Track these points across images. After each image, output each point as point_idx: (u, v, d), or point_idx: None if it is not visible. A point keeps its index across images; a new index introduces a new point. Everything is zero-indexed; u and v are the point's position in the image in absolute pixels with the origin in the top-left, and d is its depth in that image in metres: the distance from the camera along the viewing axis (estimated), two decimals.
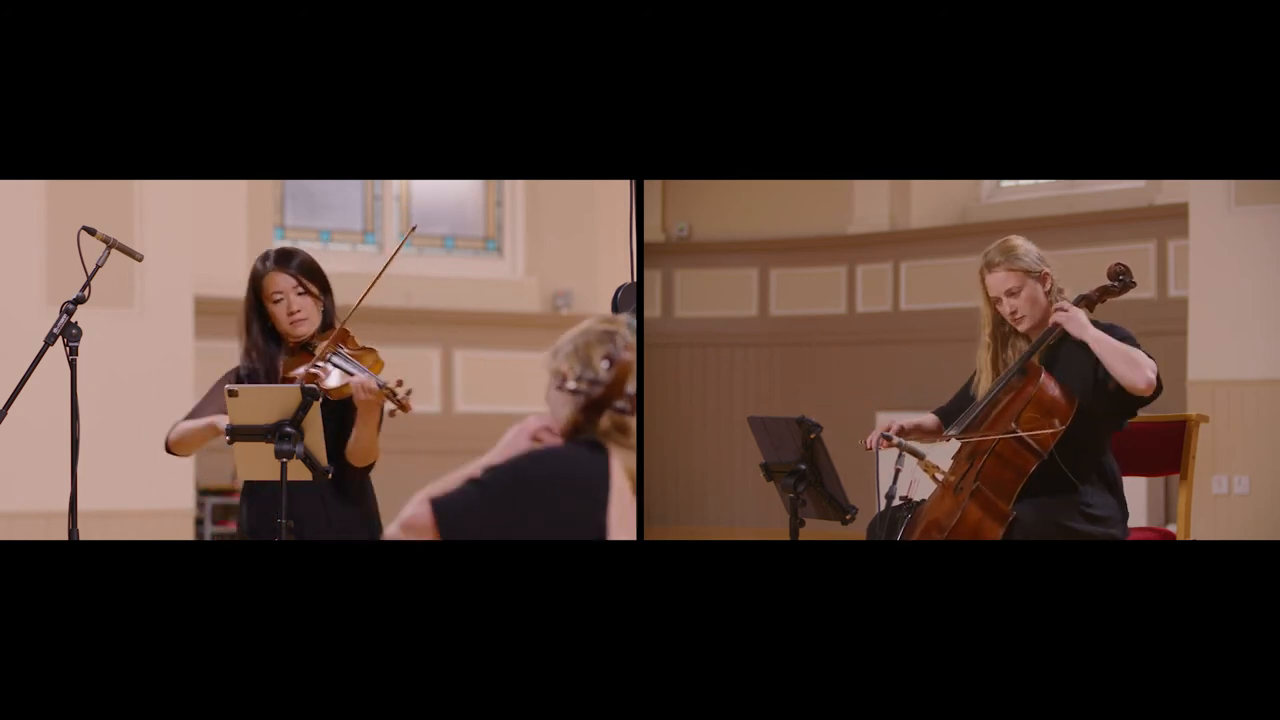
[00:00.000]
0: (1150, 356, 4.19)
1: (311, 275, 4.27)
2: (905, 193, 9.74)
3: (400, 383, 4.08)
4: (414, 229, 4.41)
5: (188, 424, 4.26)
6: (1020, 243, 4.34)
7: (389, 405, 4.10)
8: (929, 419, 4.56)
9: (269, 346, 4.27)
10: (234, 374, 4.30)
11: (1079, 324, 4.20)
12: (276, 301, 4.24)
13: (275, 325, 4.26)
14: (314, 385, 4.03)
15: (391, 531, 2.85)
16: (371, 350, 4.23)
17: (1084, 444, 4.24)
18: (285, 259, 4.26)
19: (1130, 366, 4.14)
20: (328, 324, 4.28)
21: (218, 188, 8.65)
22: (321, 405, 4.08)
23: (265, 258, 4.28)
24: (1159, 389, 4.18)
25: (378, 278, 4.29)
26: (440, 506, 2.80)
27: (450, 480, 2.85)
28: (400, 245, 4.32)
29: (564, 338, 2.92)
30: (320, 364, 4.17)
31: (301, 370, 4.18)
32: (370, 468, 4.24)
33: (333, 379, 4.15)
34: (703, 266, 10.12)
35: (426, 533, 2.81)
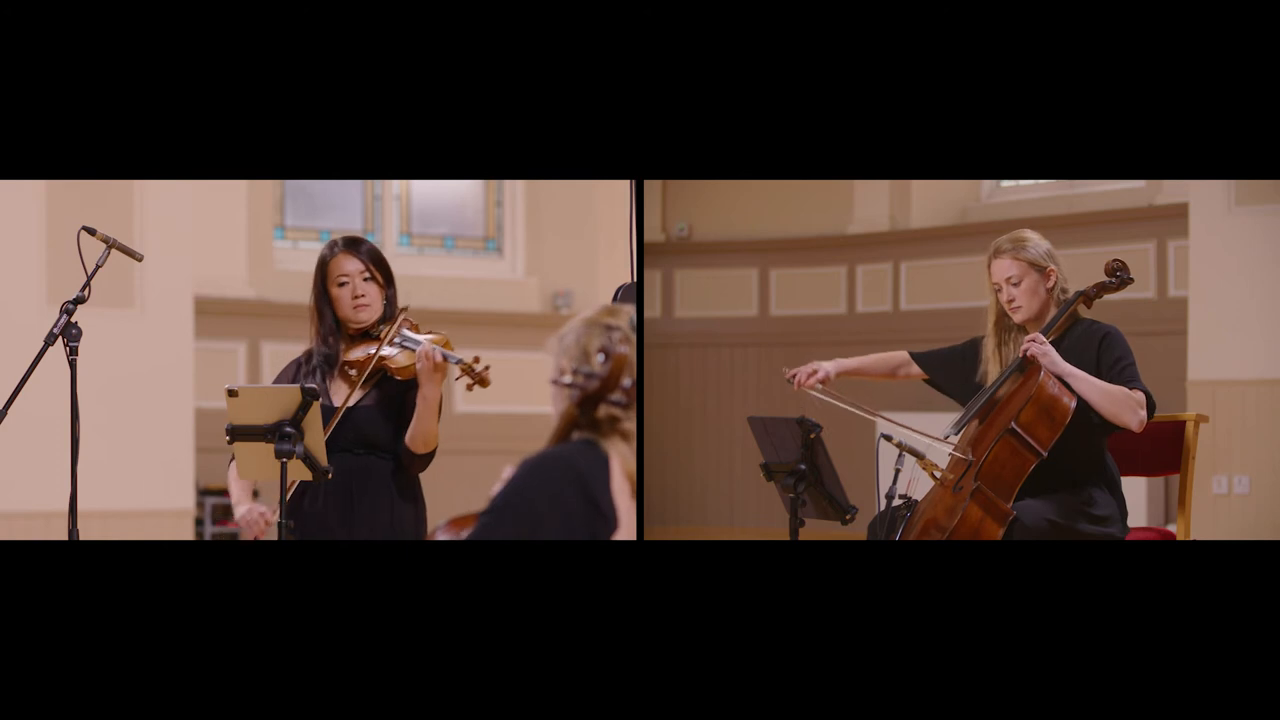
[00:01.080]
0: (1142, 387, 4.17)
1: (378, 263, 4.29)
2: (905, 193, 9.74)
3: (477, 359, 4.08)
4: (406, 308, 4.33)
5: (231, 481, 4.31)
6: (1031, 235, 4.36)
7: (469, 382, 4.09)
8: (891, 356, 4.58)
9: (334, 332, 4.27)
10: (303, 358, 4.31)
11: (1051, 359, 4.20)
12: (341, 285, 4.24)
13: (337, 310, 4.25)
14: (314, 386, 4.03)
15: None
16: (441, 335, 4.24)
17: (1083, 443, 4.24)
18: (353, 244, 4.28)
19: (1118, 408, 4.16)
20: (389, 315, 4.28)
21: (218, 188, 8.65)
22: (384, 389, 4.13)
23: (333, 244, 4.30)
24: (1152, 409, 4.19)
25: (378, 352, 4.25)
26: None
27: (464, 520, 2.86)
28: (396, 325, 4.27)
29: (568, 327, 2.91)
30: (389, 349, 4.18)
31: (360, 353, 4.18)
32: (431, 457, 4.23)
33: (400, 358, 4.16)
34: (703, 266, 10.12)
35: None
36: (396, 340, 4.21)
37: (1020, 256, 4.32)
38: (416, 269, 9.87)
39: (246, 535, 4.17)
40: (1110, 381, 4.19)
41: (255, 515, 4.14)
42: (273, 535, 4.02)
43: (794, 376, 4.41)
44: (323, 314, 4.27)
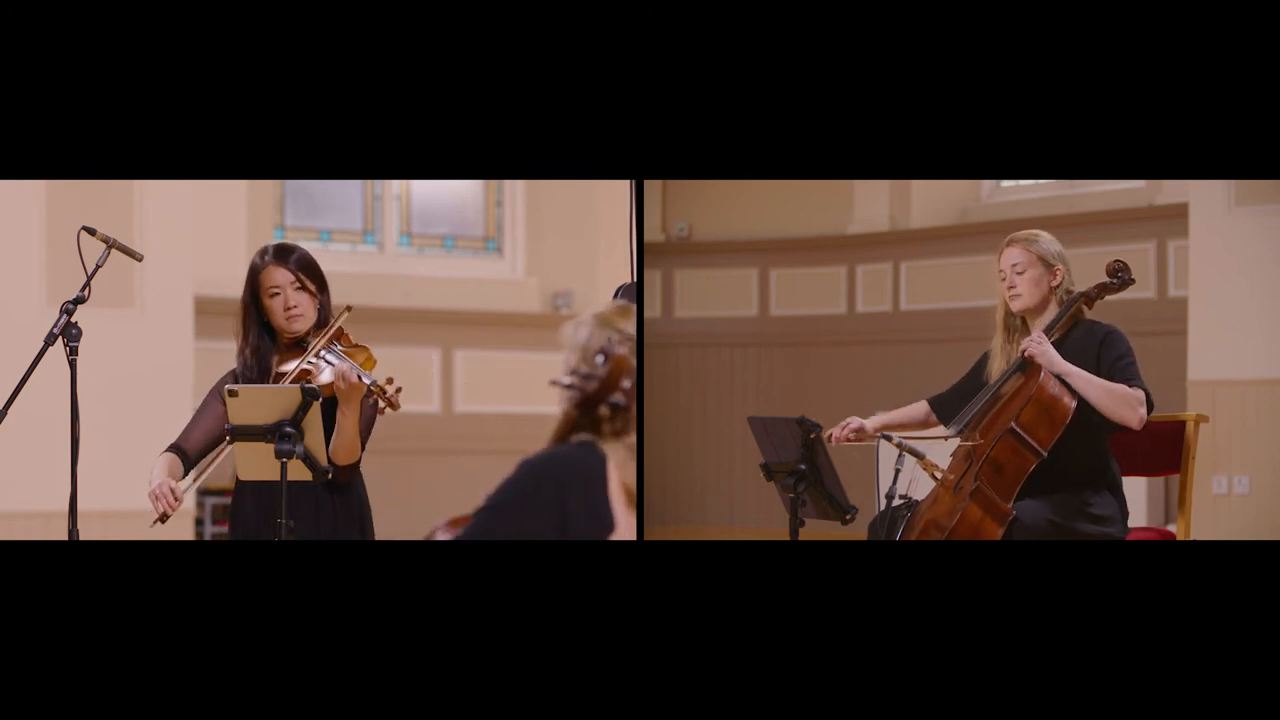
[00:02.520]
0: (1142, 384, 4.17)
1: (309, 271, 4.25)
2: (905, 193, 9.74)
3: (390, 380, 4.07)
4: (349, 308, 4.29)
5: (155, 464, 4.22)
6: (1046, 235, 4.43)
7: (380, 404, 4.09)
8: (916, 409, 4.57)
9: (264, 343, 4.26)
10: (230, 376, 4.29)
11: (1050, 359, 4.21)
12: (273, 296, 4.22)
13: (270, 320, 4.25)
14: (314, 385, 4.03)
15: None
16: (364, 348, 4.22)
17: (1084, 443, 4.25)
18: (283, 254, 4.25)
19: (1117, 405, 4.17)
20: (323, 322, 4.27)
21: (218, 188, 8.64)
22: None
23: (264, 252, 4.27)
24: (1150, 406, 4.19)
25: (328, 332, 4.23)
26: (461, 537, 2.82)
27: (464, 519, 2.86)
28: (338, 319, 4.24)
29: (582, 324, 2.91)
30: (313, 360, 4.17)
31: (293, 365, 4.18)
32: (355, 466, 4.23)
33: (325, 375, 4.15)
34: (703, 266, 10.12)
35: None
36: (322, 354, 4.18)
37: (1030, 248, 4.37)
38: (416, 269, 9.87)
39: (155, 509, 4.07)
40: (1110, 378, 4.20)
41: (166, 489, 4.07)
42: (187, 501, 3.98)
43: (830, 435, 4.38)
44: (248, 326, 4.26)
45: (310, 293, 4.24)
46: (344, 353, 4.19)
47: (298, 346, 4.25)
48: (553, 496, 2.79)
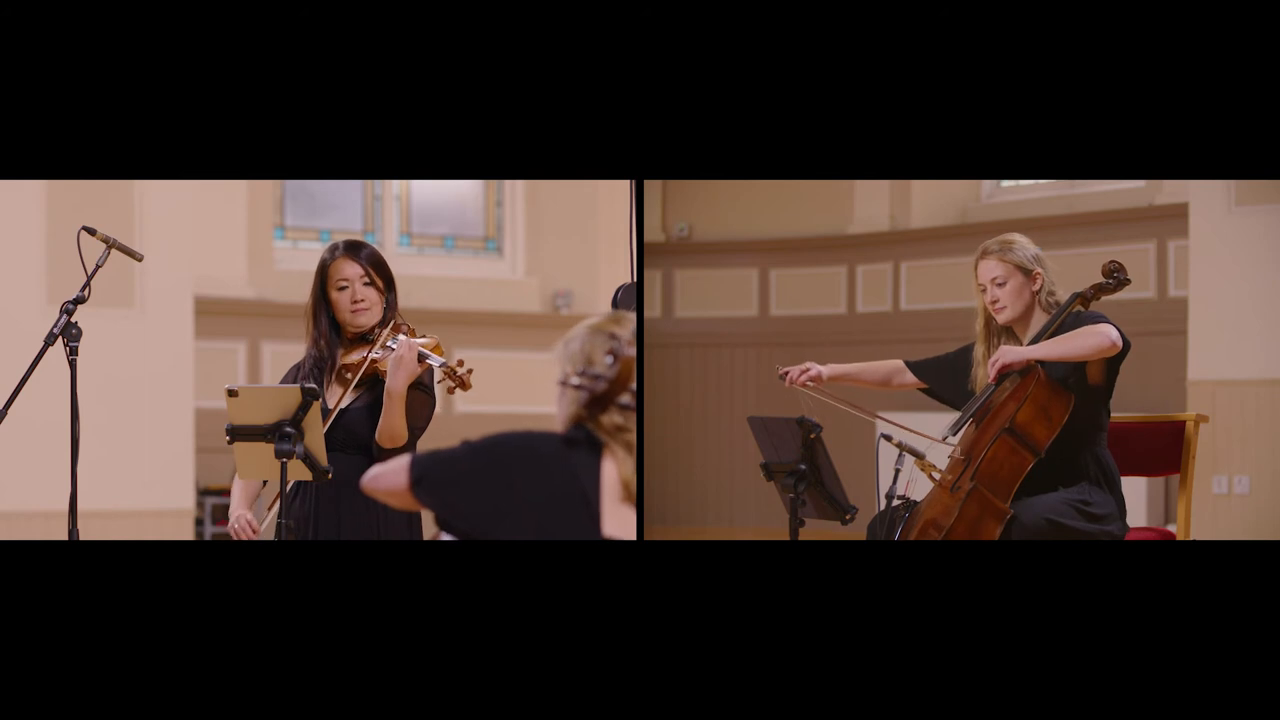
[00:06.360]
0: (1101, 321, 4.18)
1: (378, 267, 4.28)
2: (905, 193, 9.74)
3: (461, 362, 4.10)
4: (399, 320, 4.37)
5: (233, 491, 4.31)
6: (1020, 238, 4.37)
7: (451, 385, 4.11)
8: (885, 363, 4.60)
9: (332, 335, 4.28)
10: (295, 370, 4.32)
11: (1013, 353, 4.21)
12: (341, 289, 4.25)
13: (336, 314, 4.27)
14: (314, 386, 4.03)
15: (364, 482, 2.86)
16: (432, 338, 4.23)
17: (1081, 442, 4.25)
18: (354, 249, 4.28)
19: (1082, 343, 4.13)
20: (388, 320, 4.29)
21: (218, 188, 8.65)
22: (376, 391, 4.15)
23: (334, 248, 4.30)
24: (1126, 344, 4.16)
25: (393, 318, 4.29)
26: (419, 457, 2.81)
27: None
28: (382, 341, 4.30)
29: (574, 333, 2.91)
30: (379, 352, 4.19)
31: (356, 356, 4.20)
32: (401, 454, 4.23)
33: (390, 360, 4.18)
34: (703, 266, 10.12)
35: (398, 479, 2.81)
36: (389, 344, 4.22)
37: (1006, 258, 4.32)
38: (416, 269, 9.88)
39: (234, 536, 4.21)
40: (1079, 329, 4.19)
41: (243, 524, 4.18)
42: (268, 536, 4.02)
43: (786, 374, 4.44)
44: (318, 318, 4.28)
45: (378, 289, 4.27)
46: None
47: (363, 340, 4.26)
48: (535, 477, 2.77)
